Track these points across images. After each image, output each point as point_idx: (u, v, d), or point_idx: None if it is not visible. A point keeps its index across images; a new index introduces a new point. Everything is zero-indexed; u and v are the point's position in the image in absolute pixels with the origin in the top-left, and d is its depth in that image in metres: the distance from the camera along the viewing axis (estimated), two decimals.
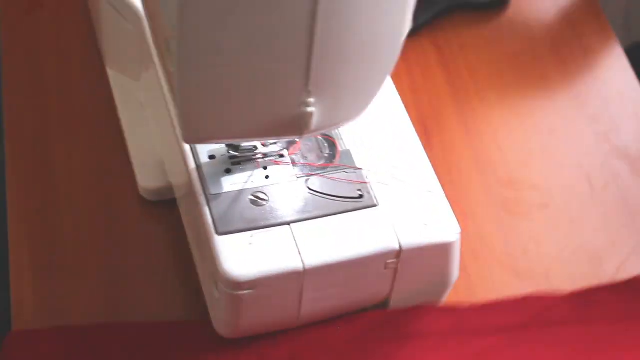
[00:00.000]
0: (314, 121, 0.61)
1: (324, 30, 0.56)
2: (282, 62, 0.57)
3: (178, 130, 0.66)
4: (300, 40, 0.56)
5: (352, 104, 0.62)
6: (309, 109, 0.60)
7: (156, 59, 0.71)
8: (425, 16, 0.92)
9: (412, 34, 0.90)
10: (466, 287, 0.79)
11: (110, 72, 0.85)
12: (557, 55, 0.94)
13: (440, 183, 0.73)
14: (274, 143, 0.70)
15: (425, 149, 0.74)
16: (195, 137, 0.63)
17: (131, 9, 0.77)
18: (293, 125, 0.61)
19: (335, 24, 0.56)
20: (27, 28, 0.90)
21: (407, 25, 0.59)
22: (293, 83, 0.58)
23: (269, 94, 0.59)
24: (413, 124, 0.75)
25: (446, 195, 0.72)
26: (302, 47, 0.56)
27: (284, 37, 0.56)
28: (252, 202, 0.68)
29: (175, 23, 0.53)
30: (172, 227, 0.78)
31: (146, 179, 0.80)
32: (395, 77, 0.89)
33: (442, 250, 0.69)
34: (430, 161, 0.73)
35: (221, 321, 0.69)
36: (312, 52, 0.57)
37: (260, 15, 0.54)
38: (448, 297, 0.77)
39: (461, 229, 0.73)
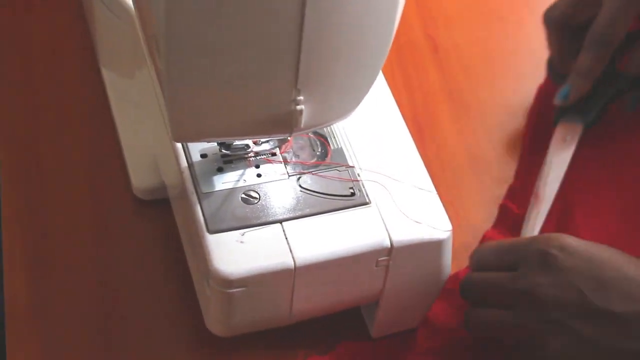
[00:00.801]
0: (304, 119, 0.61)
1: (312, 28, 0.56)
2: (270, 60, 0.57)
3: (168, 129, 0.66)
4: (288, 39, 0.56)
5: (341, 102, 0.62)
6: (299, 107, 0.60)
7: (148, 58, 0.71)
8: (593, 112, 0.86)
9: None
10: None
11: (105, 71, 0.85)
12: None
13: (434, 182, 0.73)
14: (266, 141, 0.70)
15: (419, 147, 0.74)
16: (184, 136, 0.63)
17: (124, 7, 0.77)
18: (283, 123, 0.61)
19: (324, 22, 0.56)
20: (21, 28, 0.90)
21: (395, 24, 0.59)
22: (282, 81, 0.59)
23: (258, 91, 0.59)
24: (407, 122, 0.76)
25: (440, 194, 0.72)
26: (291, 46, 0.57)
27: (272, 35, 0.56)
28: (244, 200, 0.68)
29: (163, 20, 0.54)
30: (165, 226, 0.78)
31: (140, 178, 0.80)
32: (390, 76, 0.90)
33: (433, 248, 0.69)
34: (424, 160, 0.74)
35: (213, 319, 0.69)
36: (300, 50, 0.57)
37: (248, 13, 0.55)
38: None
39: (455, 228, 0.73)
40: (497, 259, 0.72)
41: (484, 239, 0.81)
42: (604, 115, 0.86)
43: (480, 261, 0.73)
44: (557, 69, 0.87)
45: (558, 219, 0.82)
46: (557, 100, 0.85)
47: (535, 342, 0.68)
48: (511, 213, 0.82)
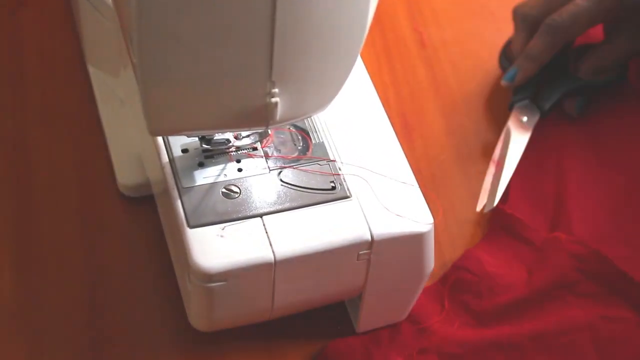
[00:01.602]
0: (279, 111, 0.61)
1: (284, 21, 0.56)
2: (243, 52, 0.57)
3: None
4: (261, 31, 0.56)
5: (317, 94, 0.62)
6: (274, 100, 0.60)
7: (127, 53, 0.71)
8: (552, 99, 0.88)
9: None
10: None
11: (91, 69, 0.86)
12: None
13: (421, 177, 0.73)
14: (247, 136, 0.70)
15: (405, 143, 0.74)
16: (160, 130, 0.63)
17: (108, 6, 0.78)
18: (258, 116, 0.61)
19: (295, 14, 0.56)
20: (10, 28, 0.91)
21: (369, 17, 0.59)
22: (256, 73, 0.59)
23: (232, 84, 0.59)
24: (394, 118, 0.76)
25: (426, 190, 0.72)
26: (264, 38, 0.57)
27: (245, 28, 0.56)
28: (225, 194, 0.68)
29: (135, 12, 0.54)
30: (151, 223, 0.78)
31: (125, 176, 0.80)
32: (377, 71, 0.90)
33: (414, 241, 0.69)
34: (411, 155, 0.74)
35: (195, 314, 0.69)
36: (273, 43, 0.57)
37: (219, 7, 0.55)
38: None
39: (441, 223, 0.73)
40: None
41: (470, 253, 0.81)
42: (556, 109, 0.88)
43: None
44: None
45: (554, 201, 0.83)
46: (504, 82, 0.87)
47: None
48: (503, 213, 0.82)
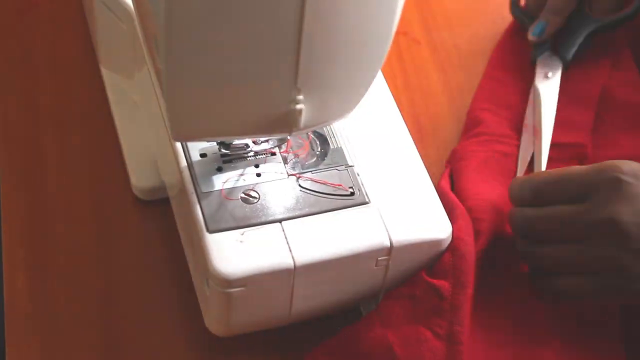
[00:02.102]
0: (303, 118, 0.61)
1: (311, 28, 0.56)
2: (270, 59, 0.57)
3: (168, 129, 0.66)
4: (288, 38, 0.56)
5: (341, 101, 0.62)
6: (298, 107, 0.60)
7: (147, 57, 0.71)
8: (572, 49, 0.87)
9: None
10: None
11: (105, 72, 0.85)
12: None
13: (434, 181, 0.73)
14: (266, 141, 0.70)
15: (419, 148, 0.74)
16: (184, 135, 0.63)
17: (124, 8, 0.77)
18: (282, 123, 0.61)
19: (323, 22, 0.56)
20: (22, 28, 0.90)
21: (395, 24, 0.59)
22: (282, 80, 0.59)
23: (258, 91, 0.59)
24: (408, 123, 0.76)
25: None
26: (290, 45, 0.57)
27: (272, 35, 0.56)
28: (243, 200, 0.68)
29: (163, 20, 0.54)
30: (166, 226, 0.78)
31: (140, 178, 0.80)
32: (390, 76, 0.90)
33: (433, 247, 0.69)
34: (425, 160, 0.74)
35: (213, 319, 0.69)
36: (300, 50, 0.57)
37: (248, 14, 0.55)
38: None
39: None
40: (558, 190, 0.70)
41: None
42: (581, 56, 0.88)
43: (533, 194, 0.71)
44: (531, 12, 0.90)
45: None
46: (531, 36, 0.88)
47: (617, 270, 0.66)
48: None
